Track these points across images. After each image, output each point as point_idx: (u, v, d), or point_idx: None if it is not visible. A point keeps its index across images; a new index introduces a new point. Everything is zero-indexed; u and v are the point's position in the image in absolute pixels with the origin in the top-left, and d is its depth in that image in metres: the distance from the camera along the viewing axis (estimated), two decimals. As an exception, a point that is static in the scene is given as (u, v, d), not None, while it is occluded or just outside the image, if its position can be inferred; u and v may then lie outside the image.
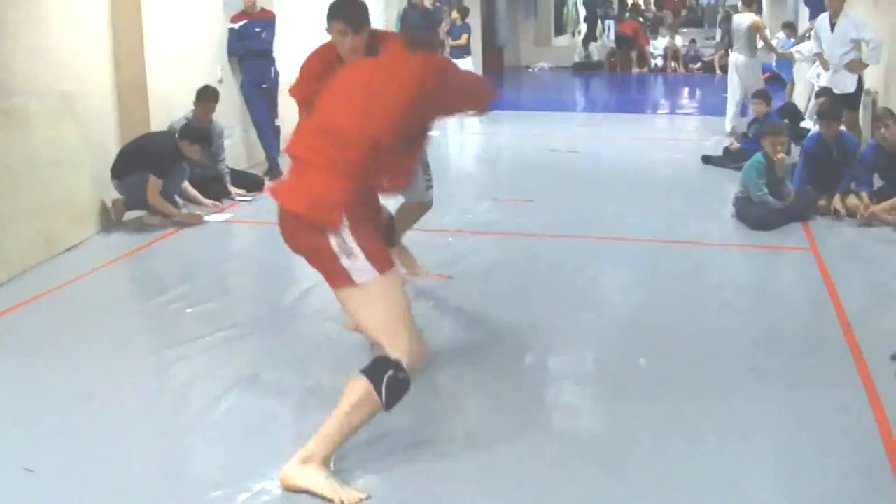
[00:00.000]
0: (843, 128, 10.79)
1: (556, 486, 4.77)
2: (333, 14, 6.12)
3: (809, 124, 14.09)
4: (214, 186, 11.05)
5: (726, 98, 19.37)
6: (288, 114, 12.99)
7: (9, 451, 5.14)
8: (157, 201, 9.76)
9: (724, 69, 25.53)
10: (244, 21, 12.48)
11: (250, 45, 12.49)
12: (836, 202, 10.10)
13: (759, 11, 32.20)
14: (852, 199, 10.10)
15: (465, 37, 19.77)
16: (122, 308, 7.78)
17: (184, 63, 11.19)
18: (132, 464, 4.97)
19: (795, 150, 11.69)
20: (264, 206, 10.83)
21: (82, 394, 5.88)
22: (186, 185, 10.51)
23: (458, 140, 17.40)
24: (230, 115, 12.33)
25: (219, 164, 11.29)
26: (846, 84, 12.60)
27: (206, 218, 10.23)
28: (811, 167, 10.40)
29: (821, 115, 10.70)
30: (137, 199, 9.86)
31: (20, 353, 6.58)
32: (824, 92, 12.82)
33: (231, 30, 12.52)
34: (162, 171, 9.73)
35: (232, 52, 12.59)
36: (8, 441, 5.27)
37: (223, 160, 11.35)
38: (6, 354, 6.58)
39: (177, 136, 10.02)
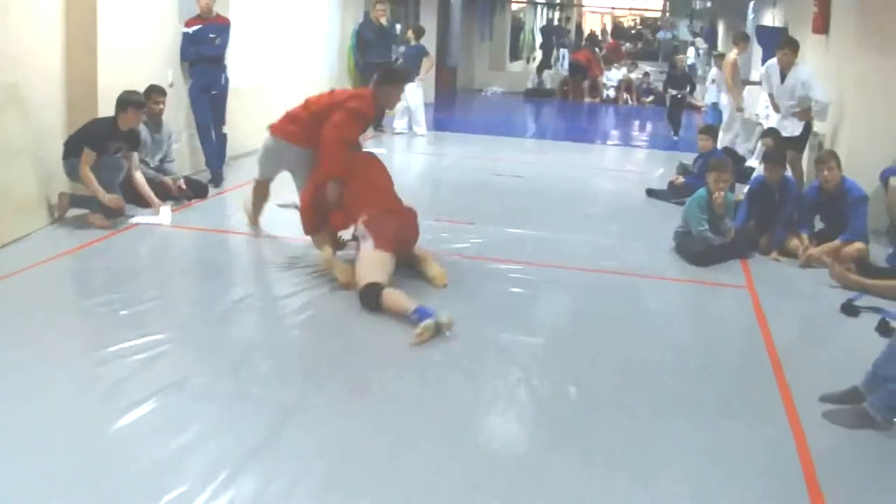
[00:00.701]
0: (787, 173, 10.85)
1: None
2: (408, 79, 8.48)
3: (754, 163, 14.21)
4: (157, 188, 10.97)
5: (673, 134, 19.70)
6: (235, 121, 13.01)
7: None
8: (86, 174, 9.66)
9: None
10: (198, 25, 12.35)
11: (203, 50, 12.37)
12: (774, 254, 10.21)
13: (712, 46, 32.49)
14: (793, 240, 10.18)
15: (426, 62, 19.75)
16: (56, 306, 7.70)
17: (135, 62, 11.13)
18: (49, 465, 4.92)
19: (739, 189, 11.75)
20: (207, 212, 10.85)
21: (6, 391, 5.83)
22: (142, 183, 10.49)
23: (403, 159, 17.36)
24: (179, 120, 12.28)
25: (168, 165, 11.34)
26: (794, 129, 12.74)
27: (136, 220, 10.17)
28: (755, 208, 10.47)
29: (766, 160, 10.78)
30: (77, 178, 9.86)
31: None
32: (770, 132, 12.95)
33: (185, 34, 12.37)
34: (96, 144, 9.69)
35: (184, 56, 12.46)
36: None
37: (172, 161, 11.39)
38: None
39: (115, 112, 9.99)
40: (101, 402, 5.74)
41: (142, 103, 10.20)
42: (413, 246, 8.75)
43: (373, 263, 8.00)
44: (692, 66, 32.44)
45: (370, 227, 8.30)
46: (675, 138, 20.66)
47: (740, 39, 17.62)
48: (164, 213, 10.38)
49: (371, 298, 7.62)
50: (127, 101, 9.97)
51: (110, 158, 9.87)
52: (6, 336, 6.78)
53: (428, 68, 20.02)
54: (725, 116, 17.24)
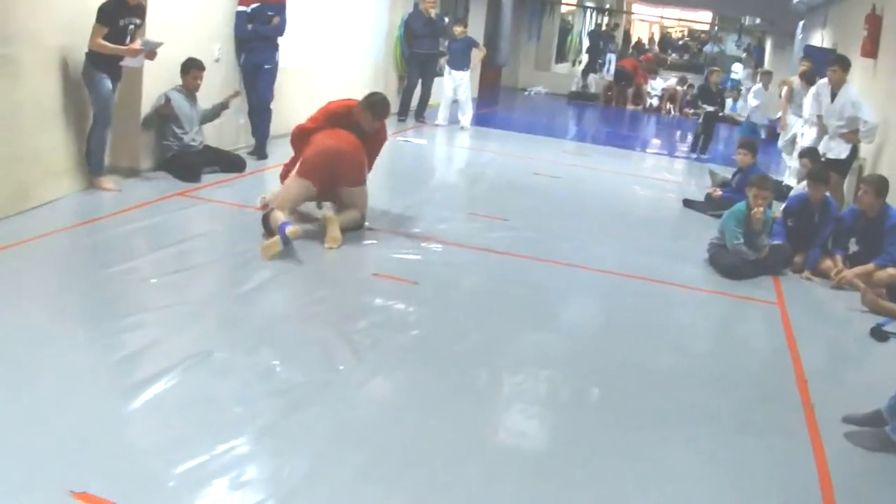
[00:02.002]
0: (827, 193, 10.74)
1: (483, 497, 4.79)
2: (383, 115, 9.83)
3: (792, 182, 14.14)
4: (190, 159, 11.11)
5: (714, 145, 19.46)
6: (279, 100, 13.00)
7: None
8: (100, 42, 9.44)
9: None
10: (256, 4, 12.39)
11: (263, 29, 12.45)
12: (807, 273, 10.14)
13: (759, 63, 32.41)
14: (826, 261, 10.12)
15: (478, 53, 19.80)
16: (83, 271, 7.75)
17: (183, 33, 11.12)
18: (66, 429, 4.94)
19: (776, 206, 11.67)
20: (243, 188, 10.87)
21: (26, 354, 5.85)
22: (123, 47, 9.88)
23: (443, 152, 17.41)
24: (224, 95, 12.25)
25: (198, 137, 11.46)
26: (840, 151, 12.63)
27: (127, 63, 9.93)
28: (792, 224, 10.42)
29: (811, 178, 10.66)
30: (97, 96, 9.70)
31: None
32: (808, 153, 12.85)
33: (240, 12, 12.43)
34: (107, 18, 9.47)
35: (239, 33, 12.52)
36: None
37: (201, 135, 11.56)
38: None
39: None
40: (120, 371, 5.77)
41: None
42: (347, 180, 9.49)
43: (282, 191, 9.47)
44: (736, 81, 32.30)
45: (305, 153, 9.51)
46: (705, 156, 19.86)
47: (802, 59, 17.47)
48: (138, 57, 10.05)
49: (265, 221, 8.94)
50: None
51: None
52: (28, 299, 6.83)
53: (480, 58, 20.04)
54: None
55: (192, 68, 11.17)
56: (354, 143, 9.49)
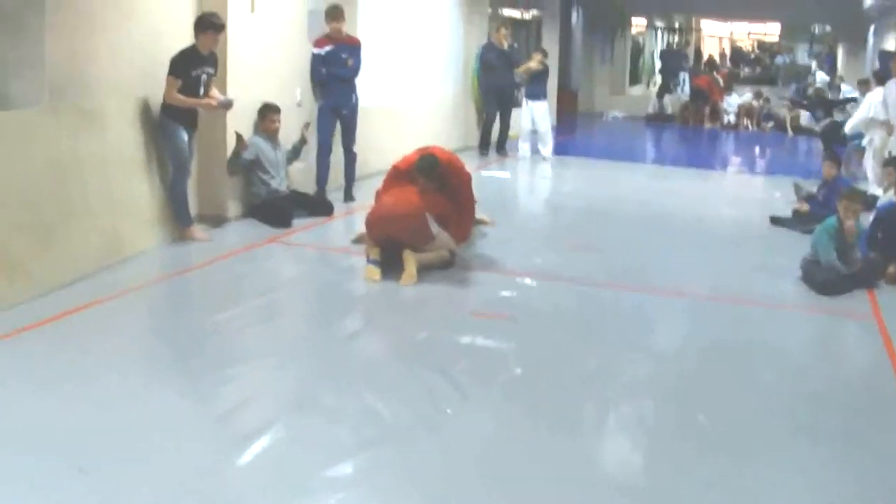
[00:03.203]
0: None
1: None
2: (432, 175, 9.76)
3: (878, 191, 14.00)
4: (280, 204, 11.23)
5: (795, 158, 19.21)
6: (366, 142, 13.07)
7: (60, 450, 5.24)
8: (175, 96, 9.62)
9: (795, 129, 25.41)
10: (330, 47, 12.46)
11: (338, 71, 12.50)
12: None
13: (832, 70, 32.26)
14: (923, 271, 10.01)
15: (536, 57, 19.31)
16: (180, 322, 7.86)
17: (264, 79, 11.30)
18: (177, 485, 5.00)
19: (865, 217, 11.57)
20: (333, 232, 10.96)
21: (133, 406, 5.96)
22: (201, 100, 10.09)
23: (526, 183, 17.46)
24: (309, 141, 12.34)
25: (285, 182, 11.59)
26: None
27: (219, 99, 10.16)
28: (882, 234, 10.30)
29: None
30: (172, 144, 9.82)
31: (76, 359, 6.69)
32: (893, 161, 12.73)
33: (316, 55, 12.51)
34: (179, 70, 9.62)
35: (316, 77, 12.60)
36: (60, 441, 5.36)
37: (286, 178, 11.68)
38: (63, 358, 6.70)
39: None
40: (226, 423, 5.84)
41: (222, 25, 9.99)
42: (409, 241, 9.25)
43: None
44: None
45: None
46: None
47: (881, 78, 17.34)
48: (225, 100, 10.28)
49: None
50: (206, 21, 9.85)
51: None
52: (127, 353, 6.96)
53: (537, 63, 19.52)
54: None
55: (268, 112, 11.34)
56: (411, 206, 9.41)
